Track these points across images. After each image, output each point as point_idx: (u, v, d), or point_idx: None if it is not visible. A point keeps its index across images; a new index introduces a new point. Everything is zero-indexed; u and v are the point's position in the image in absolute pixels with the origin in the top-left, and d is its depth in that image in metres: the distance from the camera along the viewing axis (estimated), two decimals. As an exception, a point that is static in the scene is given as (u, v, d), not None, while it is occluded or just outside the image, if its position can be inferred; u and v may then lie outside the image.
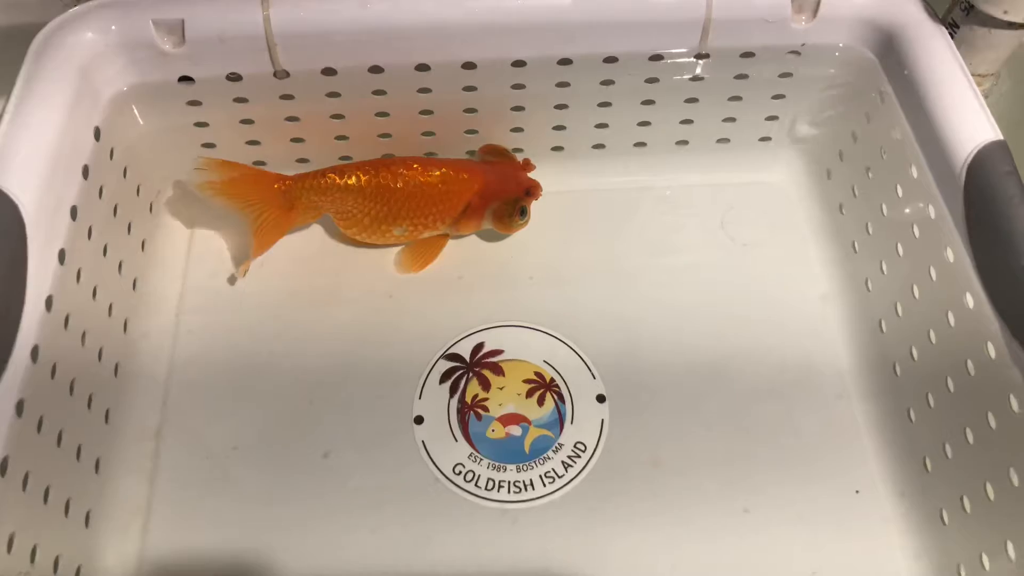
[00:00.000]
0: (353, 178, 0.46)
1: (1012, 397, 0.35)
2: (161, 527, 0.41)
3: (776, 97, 0.49)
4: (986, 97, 0.46)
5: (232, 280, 0.48)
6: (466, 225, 0.48)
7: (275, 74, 0.45)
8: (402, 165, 0.47)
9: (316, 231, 0.50)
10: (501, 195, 0.48)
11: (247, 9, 0.43)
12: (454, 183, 0.47)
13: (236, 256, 0.49)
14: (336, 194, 0.46)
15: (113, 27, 0.42)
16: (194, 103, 0.46)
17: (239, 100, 0.46)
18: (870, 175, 0.46)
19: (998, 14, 0.40)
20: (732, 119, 0.50)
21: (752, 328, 0.47)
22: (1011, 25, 0.41)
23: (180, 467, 0.42)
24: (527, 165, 0.50)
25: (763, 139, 0.52)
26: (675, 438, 0.44)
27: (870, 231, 0.47)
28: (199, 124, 0.47)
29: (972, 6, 0.41)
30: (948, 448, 0.40)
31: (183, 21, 0.42)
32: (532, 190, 0.49)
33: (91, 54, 0.42)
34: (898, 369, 0.44)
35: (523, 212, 0.48)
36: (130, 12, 0.42)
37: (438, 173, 0.47)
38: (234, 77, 0.45)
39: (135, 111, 0.45)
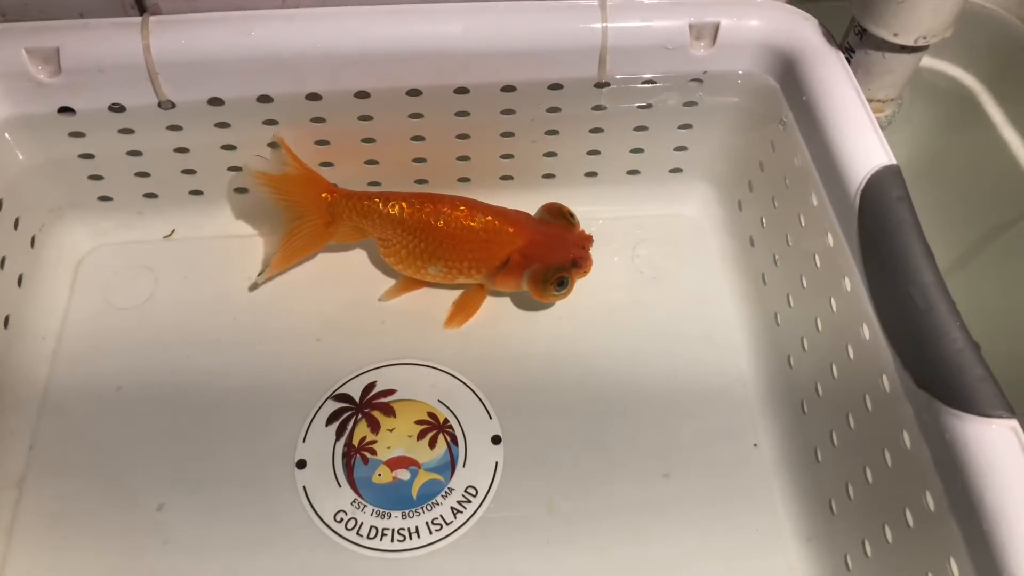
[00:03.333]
0: (397, 208, 0.45)
1: (905, 432, 0.33)
2: (15, 583, 0.38)
3: (683, 127, 0.48)
4: (889, 123, 0.45)
5: (116, 318, 0.46)
6: (503, 281, 0.46)
7: (160, 104, 0.43)
8: (448, 204, 0.45)
9: (216, 271, 0.48)
10: (544, 258, 0.44)
11: (126, 37, 0.41)
12: (496, 234, 0.45)
13: (126, 291, 0.47)
14: (377, 220, 0.45)
15: (-17, 56, 0.41)
16: (77, 134, 0.44)
17: (124, 131, 0.44)
18: (776, 205, 0.45)
19: (888, 37, 0.39)
20: (640, 150, 0.49)
21: (661, 365, 0.46)
22: (903, 48, 0.40)
23: (43, 520, 0.40)
24: (583, 237, 0.46)
25: (674, 170, 0.50)
26: (573, 482, 0.41)
27: (777, 263, 0.45)
28: (84, 156, 0.45)
29: (865, 30, 0.40)
30: (851, 489, 0.38)
31: (58, 49, 0.41)
32: (580, 262, 0.45)
33: (-41, 84, 0.40)
34: (805, 407, 0.42)
35: (562, 283, 0.44)
36: (1, 40, 0.41)
37: (482, 220, 0.45)
38: (117, 108, 0.43)
39: (12, 143, 0.43)
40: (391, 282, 0.48)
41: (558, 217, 0.46)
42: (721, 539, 0.40)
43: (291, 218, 0.46)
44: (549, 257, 0.45)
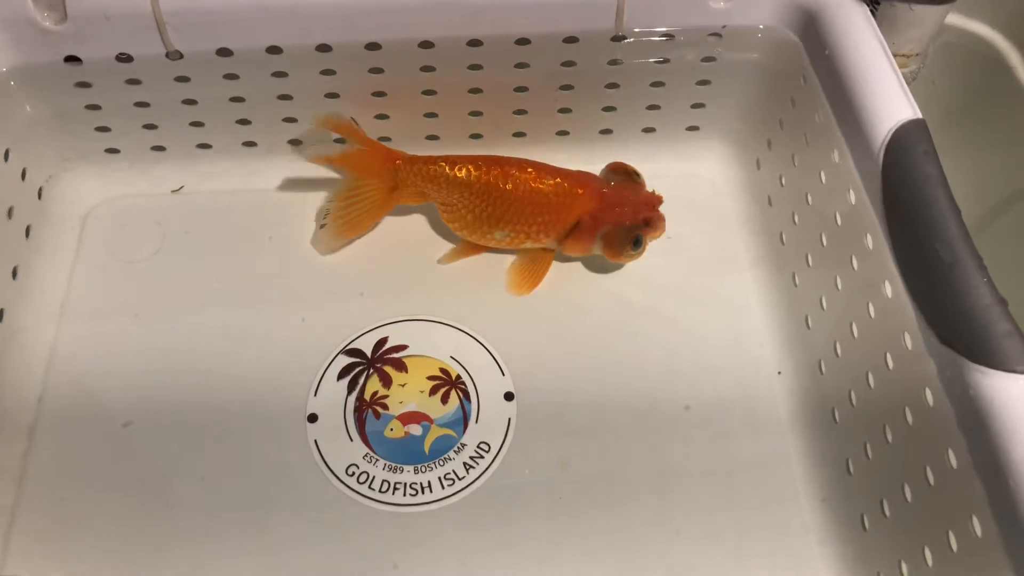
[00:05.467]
0: (464, 171, 0.44)
1: (927, 390, 0.33)
2: (26, 533, 0.38)
3: (701, 83, 0.47)
4: (914, 78, 0.44)
5: (124, 272, 0.45)
6: (573, 245, 0.44)
7: (167, 55, 0.43)
8: (516, 166, 0.44)
9: (224, 225, 0.48)
10: (616, 220, 0.43)
11: (133, -16, 0.40)
12: (566, 196, 0.43)
13: (133, 245, 0.46)
14: (443, 184, 0.44)
15: (-13, 2, 0.40)
16: (83, 84, 0.44)
17: (132, 82, 0.44)
18: (796, 163, 0.44)
19: (917, -13, 0.38)
20: (656, 106, 0.48)
21: (676, 326, 0.45)
22: (931, 0, 0.39)
23: (52, 469, 0.39)
24: (653, 196, 0.44)
25: (691, 128, 0.49)
26: (587, 439, 0.41)
27: (796, 222, 0.44)
28: (91, 107, 0.45)
29: (892, -19, 0.39)
30: (869, 448, 0.37)
31: (64, -5, 0.40)
32: (653, 222, 0.44)
33: (-37, 31, 0.40)
34: (823, 367, 0.41)
35: (637, 242, 0.43)
36: (6, -15, 0.40)
37: (552, 182, 0.43)
38: (124, 57, 0.42)
39: (18, 92, 0.43)
40: (408, 237, 0.47)
41: (624, 177, 0.45)
42: (735, 499, 0.40)
43: (353, 188, 0.45)
44: (621, 218, 0.43)
